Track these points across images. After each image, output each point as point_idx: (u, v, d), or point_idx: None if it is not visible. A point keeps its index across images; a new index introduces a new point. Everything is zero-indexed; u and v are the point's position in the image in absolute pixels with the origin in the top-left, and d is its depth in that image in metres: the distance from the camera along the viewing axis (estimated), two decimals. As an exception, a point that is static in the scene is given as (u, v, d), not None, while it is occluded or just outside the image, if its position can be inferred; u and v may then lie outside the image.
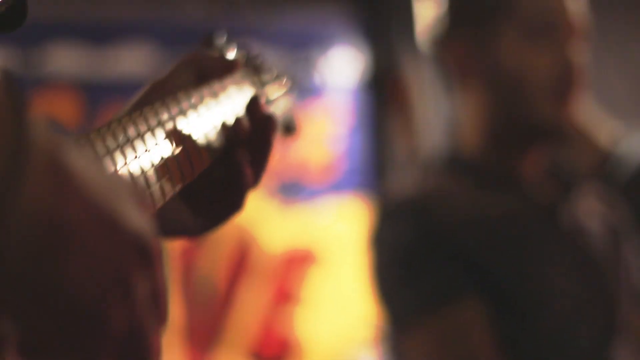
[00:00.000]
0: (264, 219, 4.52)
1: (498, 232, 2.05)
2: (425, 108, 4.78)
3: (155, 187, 0.80)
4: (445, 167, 2.20)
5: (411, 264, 2.03)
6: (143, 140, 0.80)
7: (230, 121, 1.01)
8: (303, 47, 4.89)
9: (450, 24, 2.22)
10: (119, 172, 0.73)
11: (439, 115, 4.73)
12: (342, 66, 4.97)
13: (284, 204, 4.62)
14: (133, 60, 4.33)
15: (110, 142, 0.74)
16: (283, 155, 4.66)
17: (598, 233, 2.17)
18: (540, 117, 2.09)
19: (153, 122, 0.83)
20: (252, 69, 1.17)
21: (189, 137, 0.90)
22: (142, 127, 0.81)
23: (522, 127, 2.13)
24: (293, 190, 4.67)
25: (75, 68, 4.25)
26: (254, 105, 1.03)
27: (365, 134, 4.96)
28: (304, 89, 5.02)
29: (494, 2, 2.14)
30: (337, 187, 4.78)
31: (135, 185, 0.76)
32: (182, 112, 0.90)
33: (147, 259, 0.64)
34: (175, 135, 0.87)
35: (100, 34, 4.34)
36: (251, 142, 1.01)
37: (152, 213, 0.77)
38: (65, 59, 4.24)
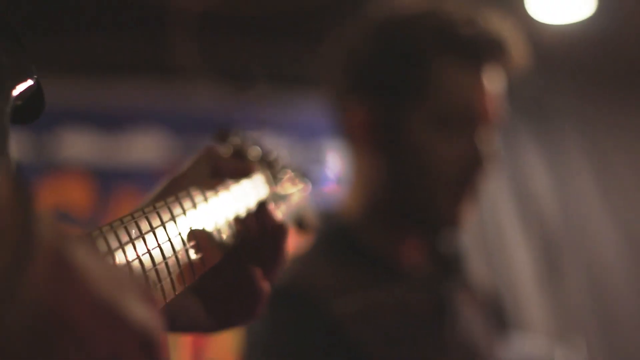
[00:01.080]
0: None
1: (385, 326, 1.89)
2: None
3: (166, 281, 0.81)
4: (328, 244, 1.99)
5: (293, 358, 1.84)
6: (154, 235, 0.81)
7: (242, 220, 1.01)
8: (315, 136, 4.92)
9: (354, 83, 2.01)
10: (127, 267, 0.74)
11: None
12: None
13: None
14: (145, 148, 4.36)
15: (123, 236, 0.74)
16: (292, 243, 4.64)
17: (477, 324, 2.09)
18: (437, 211, 1.93)
19: (166, 217, 0.84)
20: (266, 165, 1.17)
21: (199, 232, 0.90)
22: (155, 222, 0.82)
23: (413, 218, 1.97)
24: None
25: (88, 154, 4.29)
26: (262, 212, 1.02)
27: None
28: (315, 178, 5.02)
29: (408, 72, 1.92)
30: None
31: (142, 279, 0.76)
32: (195, 208, 0.91)
33: (150, 353, 0.64)
34: (186, 231, 0.88)
35: (112, 121, 4.38)
36: (261, 247, 1.01)
37: (160, 307, 0.77)
38: (78, 145, 4.27)
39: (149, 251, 0.78)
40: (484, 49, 1.92)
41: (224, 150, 1.10)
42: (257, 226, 1.01)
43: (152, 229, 0.81)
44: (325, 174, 4.95)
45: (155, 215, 0.82)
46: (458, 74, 1.91)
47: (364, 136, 1.99)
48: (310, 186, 1.25)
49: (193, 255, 0.87)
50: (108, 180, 4.27)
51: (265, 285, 1.00)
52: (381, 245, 1.99)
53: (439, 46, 1.91)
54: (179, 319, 0.97)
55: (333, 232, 2.01)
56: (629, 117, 5.25)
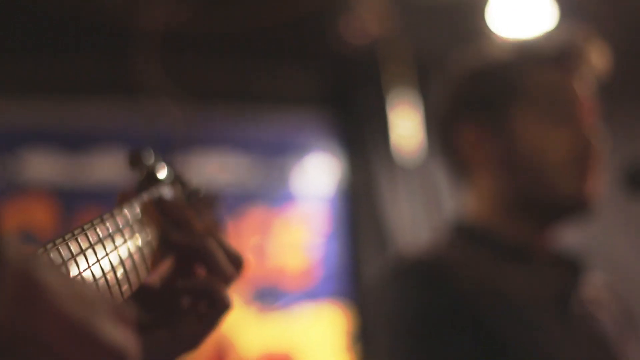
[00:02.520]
0: (242, 324, 4.50)
1: (512, 309, 1.97)
2: (399, 216, 4.80)
3: (115, 289, 0.83)
4: (457, 235, 2.12)
5: (422, 331, 1.93)
6: (103, 246, 0.83)
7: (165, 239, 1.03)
8: (279, 154, 4.93)
9: (458, 109, 2.17)
10: (95, 283, 0.75)
11: (414, 222, 4.76)
12: (318, 174, 5.01)
13: (261, 310, 4.61)
14: (109, 168, 4.35)
15: (75, 247, 0.76)
16: (260, 262, 4.65)
17: (604, 322, 2.13)
18: (563, 193, 2.02)
19: (94, 237, 0.85)
20: (179, 186, 1.18)
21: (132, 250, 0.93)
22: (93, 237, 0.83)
23: (543, 205, 2.06)
24: (270, 296, 4.66)
25: (52, 175, 4.27)
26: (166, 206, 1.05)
27: (341, 241, 4.97)
28: (280, 195, 5.06)
29: (502, 84, 2.10)
30: (313, 293, 4.77)
31: (114, 299, 0.77)
32: (118, 230, 0.92)
33: None
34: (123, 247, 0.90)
35: (76, 141, 4.37)
36: (189, 252, 1.02)
37: (133, 326, 0.78)
38: (42, 166, 4.25)
39: (98, 261, 0.80)
40: (565, 55, 2.10)
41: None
42: (181, 241, 1.01)
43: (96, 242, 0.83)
44: (289, 189, 4.96)
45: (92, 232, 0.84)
46: (544, 76, 2.08)
47: (476, 149, 2.11)
48: (219, 205, 1.25)
49: (133, 267, 0.90)
50: (72, 200, 4.25)
51: (222, 291, 1.00)
52: (515, 237, 2.08)
53: (527, 58, 2.11)
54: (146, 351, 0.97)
55: (465, 229, 2.12)
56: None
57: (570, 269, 2.14)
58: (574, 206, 2.05)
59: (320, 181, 5.01)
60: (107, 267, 0.82)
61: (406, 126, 4.44)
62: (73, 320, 0.61)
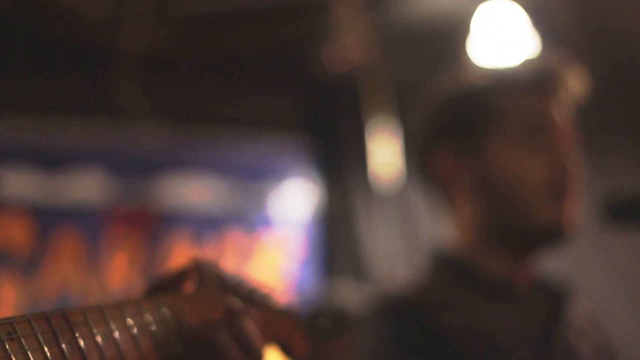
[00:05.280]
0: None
1: (494, 349, 1.95)
2: (375, 243, 4.81)
3: None
4: (438, 270, 2.10)
5: None
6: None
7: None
8: (257, 178, 4.93)
9: (436, 135, 2.16)
10: None
11: (390, 250, 4.77)
12: (296, 199, 5.01)
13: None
14: (86, 187, 4.34)
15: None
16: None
17: (586, 355, 2.12)
18: (539, 220, 2.00)
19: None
20: (230, 290, 1.19)
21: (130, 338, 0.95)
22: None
23: (519, 233, 2.04)
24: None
25: (28, 193, 4.25)
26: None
27: (316, 267, 4.97)
28: (257, 219, 5.05)
29: (479, 110, 2.10)
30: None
31: None
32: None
33: None
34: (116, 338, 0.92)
35: (53, 160, 4.36)
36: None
37: None
38: (18, 184, 4.24)
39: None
40: (541, 80, 2.10)
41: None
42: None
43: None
44: (265, 214, 4.96)
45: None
46: (520, 101, 2.08)
47: (454, 175, 2.11)
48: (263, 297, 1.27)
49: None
50: (48, 219, 4.23)
51: None
52: (495, 269, 2.06)
53: (503, 84, 2.12)
54: None
55: (446, 261, 2.10)
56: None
57: (553, 299, 2.14)
58: (551, 232, 2.03)
59: (298, 207, 5.01)
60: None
61: (385, 154, 4.45)
62: None
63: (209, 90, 4.64)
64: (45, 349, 0.81)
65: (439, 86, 2.24)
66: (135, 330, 0.95)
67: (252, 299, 1.22)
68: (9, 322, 0.78)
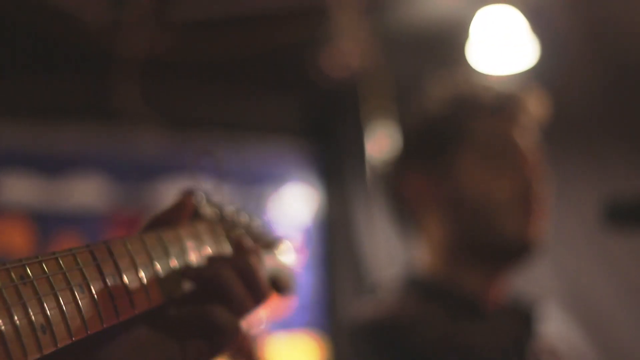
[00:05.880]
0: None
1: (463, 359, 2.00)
2: (375, 248, 4.81)
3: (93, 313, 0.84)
4: (409, 291, 2.14)
5: None
6: (82, 273, 0.84)
7: (191, 269, 1.03)
8: (257, 183, 4.93)
9: (404, 158, 2.24)
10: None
11: (390, 255, 4.76)
12: (296, 204, 5.01)
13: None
14: (86, 192, 4.34)
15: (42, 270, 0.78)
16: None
17: None
18: (504, 233, 2.05)
19: (101, 255, 0.87)
20: (226, 222, 1.18)
21: (131, 276, 0.93)
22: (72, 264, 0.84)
23: (486, 247, 2.09)
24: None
25: (28, 198, 4.25)
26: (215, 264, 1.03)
27: (316, 272, 4.97)
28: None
29: (447, 132, 2.16)
30: (287, 323, 4.75)
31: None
32: (145, 252, 0.94)
33: None
34: (114, 273, 0.90)
35: (53, 165, 4.36)
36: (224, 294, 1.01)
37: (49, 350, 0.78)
38: (18, 189, 4.24)
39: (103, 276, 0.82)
40: (502, 105, 2.18)
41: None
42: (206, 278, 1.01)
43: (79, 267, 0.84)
44: (264, 220, 4.95)
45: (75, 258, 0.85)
46: (483, 124, 2.15)
47: (423, 196, 2.17)
48: (285, 251, 1.26)
49: (115, 296, 0.89)
50: (48, 224, 4.23)
51: (231, 321, 1.00)
52: (466, 287, 2.10)
53: (467, 108, 2.19)
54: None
55: (417, 281, 2.15)
56: (567, 169, 5.32)
57: (524, 317, 2.17)
58: (516, 246, 2.08)
59: (297, 211, 5.01)
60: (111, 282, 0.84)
61: (385, 159, 4.45)
62: None
63: (208, 95, 4.64)
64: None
65: (407, 111, 2.35)
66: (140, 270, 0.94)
67: (251, 234, 1.19)
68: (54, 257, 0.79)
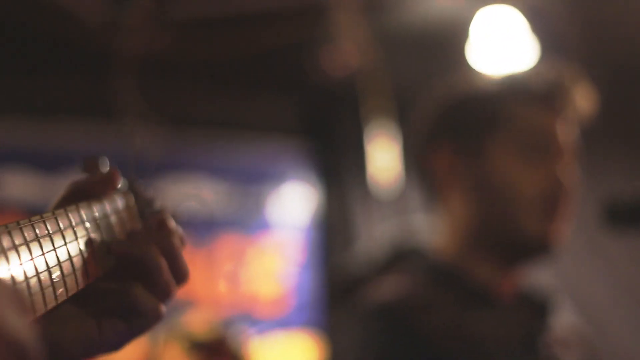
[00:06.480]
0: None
1: (477, 354, 1.95)
2: (374, 247, 4.80)
3: (48, 290, 0.81)
4: (425, 275, 2.08)
5: None
6: (39, 244, 0.82)
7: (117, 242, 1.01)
8: (256, 182, 4.93)
9: (437, 132, 2.16)
10: (3, 277, 0.72)
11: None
12: (294, 203, 5.01)
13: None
14: (85, 190, 4.33)
15: (6, 242, 0.74)
16: (233, 289, 4.64)
17: None
18: (526, 232, 2.00)
19: (44, 231, 0.84)
20: (134, 195, 1.17)
21: (88, 244, 0.93)
22: (44, 230, 0.83)
23: (506, 243, 2.04)
24: (242, 323, 4.64)
25: (27, 195, 4.25)
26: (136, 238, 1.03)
27: (314, 271, 4.97)
28: (255, 223, 5.05)
29: (485, 112, 2.10)
30: (286, 322, 4.76)
31: (18, 290, 0.73)
32: (70, 227, 0.92)
33: None
34: (64, 245, 0.88)
35: (52, 162, 4.36)
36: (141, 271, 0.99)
37: (36, 318, 0.75)
38: (17, 186, 4.23)
39: (32, 259, 0.78)
40: (552, 95, 2.10)
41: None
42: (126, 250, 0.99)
43: (38, 238, 0.81)
44: (264, 217, 4.96)
45: (43, 225, 0.83)
46: (527, 111, 2.07)
47: (450, 174, 2.11)
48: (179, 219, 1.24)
49: (75, 267, 0.88)
50: (46, 222, 4.22)
51: (152, 304, 0.98)
52: (480, 276, 2.06)
53: (513, 91, 2.11)
54: (73, 342, 0.94)
55: (431, 266, 2.09)
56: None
57: (537, 310, 2.14)
58: (535, 246, 2.04)
59: (296, 210, 5.01)
60: (41, 267, 0.80)
61: (383, 158, 4.45)
62: None
63: (207, 94, 4.64)
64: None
65: (445, 86, 2.24)
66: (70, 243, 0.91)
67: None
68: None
